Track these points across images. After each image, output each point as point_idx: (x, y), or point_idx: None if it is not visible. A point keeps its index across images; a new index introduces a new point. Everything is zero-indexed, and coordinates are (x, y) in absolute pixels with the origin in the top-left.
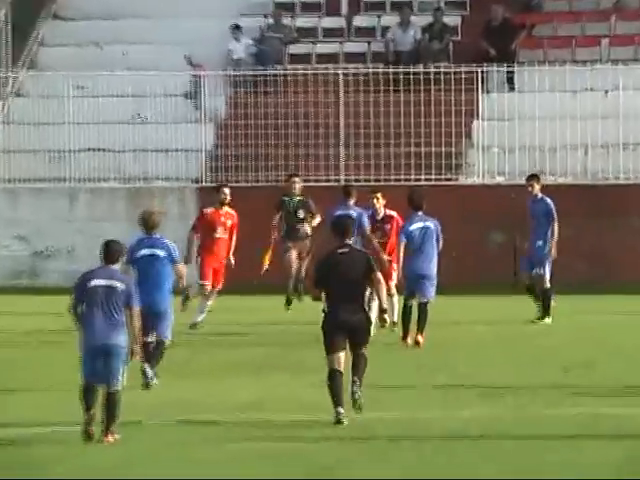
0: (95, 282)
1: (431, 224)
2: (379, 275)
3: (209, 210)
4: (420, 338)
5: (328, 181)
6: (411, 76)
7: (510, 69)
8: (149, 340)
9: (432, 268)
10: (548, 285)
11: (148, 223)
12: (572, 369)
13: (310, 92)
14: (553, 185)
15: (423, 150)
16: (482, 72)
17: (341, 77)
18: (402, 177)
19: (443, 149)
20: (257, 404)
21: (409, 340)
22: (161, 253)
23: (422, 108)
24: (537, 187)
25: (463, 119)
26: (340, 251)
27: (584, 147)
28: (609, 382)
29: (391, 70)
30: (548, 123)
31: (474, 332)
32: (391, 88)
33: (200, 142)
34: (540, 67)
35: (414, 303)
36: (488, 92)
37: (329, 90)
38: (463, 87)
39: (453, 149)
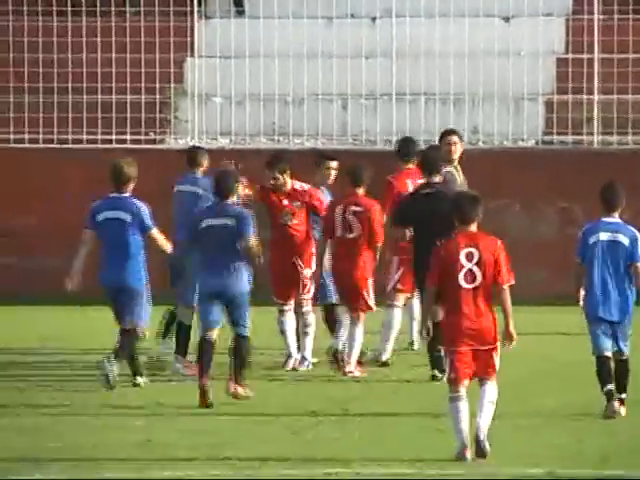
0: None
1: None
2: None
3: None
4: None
5: None
6: None
7: None
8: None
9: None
10: None
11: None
12: None
13: None
14: (295, 150)
15: (114, 98)
16: None
17: None
18: (85, 137)
19: (143, 97)
20: None
21: None
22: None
23: (112, 39)
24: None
25: (172, 56)
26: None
27: (342, 98)
28: None
29: None
30: (292, 63)
31: None
32: (68, 9)
33: None
34: None
35: None
36: (207, 17)
37: None
38: (172, 10)
39: (157, 98)
